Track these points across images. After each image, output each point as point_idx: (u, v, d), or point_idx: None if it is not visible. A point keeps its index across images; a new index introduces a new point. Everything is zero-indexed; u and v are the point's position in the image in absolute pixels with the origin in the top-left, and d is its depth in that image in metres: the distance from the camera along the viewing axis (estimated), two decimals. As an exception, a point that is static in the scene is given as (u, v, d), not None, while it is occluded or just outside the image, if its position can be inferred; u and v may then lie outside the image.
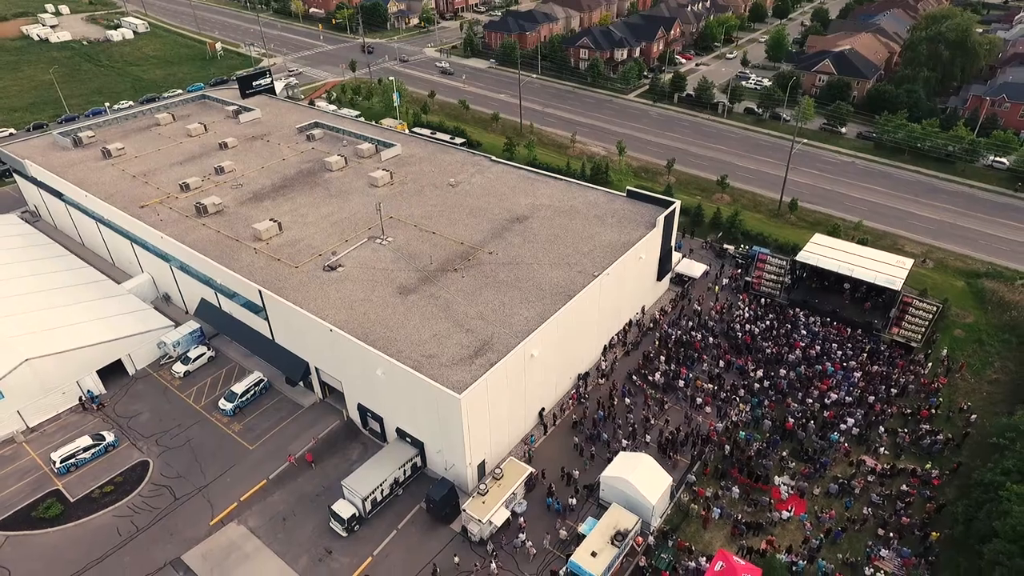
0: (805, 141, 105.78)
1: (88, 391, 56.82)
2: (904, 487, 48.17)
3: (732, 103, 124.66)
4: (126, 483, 49.34)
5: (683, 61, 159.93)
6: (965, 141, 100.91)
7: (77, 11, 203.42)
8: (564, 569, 41.81)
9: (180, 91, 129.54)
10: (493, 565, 42.88)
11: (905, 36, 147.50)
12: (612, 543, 42.00)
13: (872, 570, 42.47)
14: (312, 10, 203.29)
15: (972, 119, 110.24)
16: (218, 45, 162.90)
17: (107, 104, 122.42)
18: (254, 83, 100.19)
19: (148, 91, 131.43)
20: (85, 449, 50.81)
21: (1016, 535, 38.63)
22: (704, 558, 42.76)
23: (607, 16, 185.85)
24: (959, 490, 47.91)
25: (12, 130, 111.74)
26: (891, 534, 44.79)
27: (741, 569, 40.35)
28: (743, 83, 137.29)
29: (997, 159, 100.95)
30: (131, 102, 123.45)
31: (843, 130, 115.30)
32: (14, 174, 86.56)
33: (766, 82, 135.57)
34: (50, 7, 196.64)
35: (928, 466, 49.95)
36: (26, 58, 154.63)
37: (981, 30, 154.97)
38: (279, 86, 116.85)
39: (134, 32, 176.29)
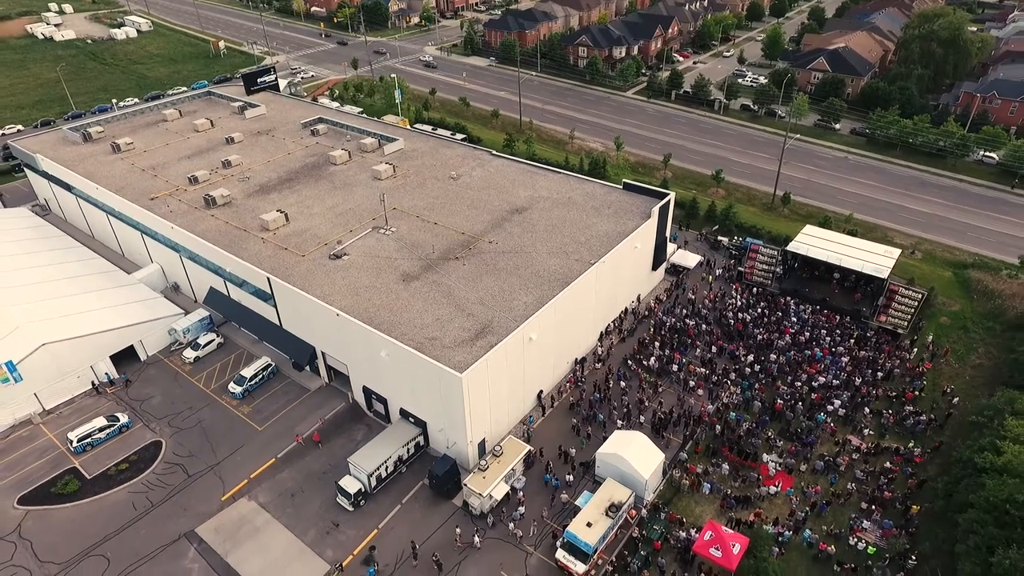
0: (799, 137, 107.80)
1: (106, 374, 58.78)
2: (887, 464, 50.14)
3: (728, 100, 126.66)
4: (140, 461, 51.35)
5: (680, 59, 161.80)
6: (956, 136, 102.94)
7: (80, 10, 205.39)
8: (561, 539, 43.77)
9: (185, 88, 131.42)
10: (476, 539, 44.57)
11: (899, 34, 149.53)
12: (606, 515, 43.97)
13: (855, 540, 44.51)
14: (314, 9, 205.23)
15: (963, 115, 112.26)
16: (221, 43, 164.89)
17: (114, 101, 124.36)
18: (258, 80, 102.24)
19: (152, 88, 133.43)
20: (100, 429, 52.77)
21: (989, 506, 40.69)
22: (694, 529, 44.79)
23: (606, 15, 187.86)
24: (940, 467, 49.91)
25: (20, 126, 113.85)
26: (874, 507, 46.76)
27: (729, 538, 42.37)
28: (739, 80, 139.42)
29: (987, 154, 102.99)
30: (136, 99, 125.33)
31: (837, 126, 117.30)
32: (24, 168, 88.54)
33: (762, 79, 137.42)
34: (54, 6, 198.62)
35: (911, 445, 51.94)
36: (31, 56, 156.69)
37: (975, 28, 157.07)
38: (283, 83, 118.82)
39: (137, 31, 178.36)
